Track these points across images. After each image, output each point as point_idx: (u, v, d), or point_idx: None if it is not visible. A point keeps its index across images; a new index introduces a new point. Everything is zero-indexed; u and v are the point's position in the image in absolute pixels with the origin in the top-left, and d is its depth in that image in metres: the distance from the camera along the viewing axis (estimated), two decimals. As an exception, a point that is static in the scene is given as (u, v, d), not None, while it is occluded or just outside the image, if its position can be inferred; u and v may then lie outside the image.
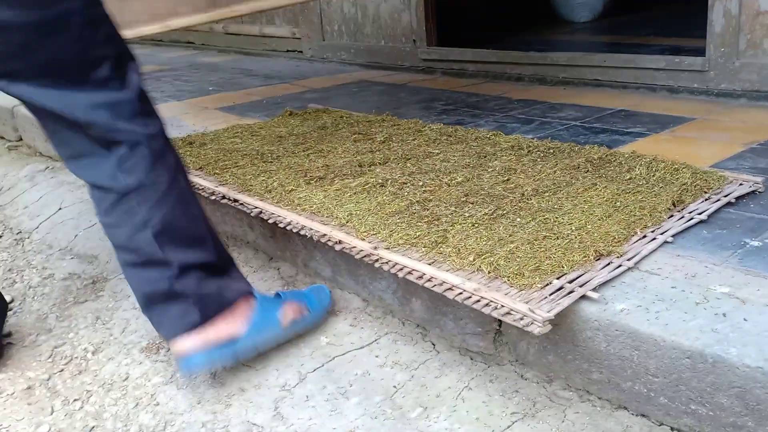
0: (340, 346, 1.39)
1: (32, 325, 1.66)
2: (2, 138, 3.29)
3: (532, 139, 1.99)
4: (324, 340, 1.42)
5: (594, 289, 1.14)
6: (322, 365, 1.34)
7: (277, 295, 1.40)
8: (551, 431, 1.10)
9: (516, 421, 1.14)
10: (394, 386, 1.26)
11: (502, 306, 1.11)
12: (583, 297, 1.13)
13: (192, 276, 1.21)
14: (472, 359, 1.30)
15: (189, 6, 2.08)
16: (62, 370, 1.46)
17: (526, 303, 1.10)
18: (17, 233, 2.25)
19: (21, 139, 3.23)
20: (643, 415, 1.10)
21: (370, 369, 1.31)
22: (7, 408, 1.35)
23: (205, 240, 1.25)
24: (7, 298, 1.79)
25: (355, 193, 1.61)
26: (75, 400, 1.36)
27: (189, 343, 1.22)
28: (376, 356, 1.35)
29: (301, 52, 4.29)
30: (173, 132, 2.44)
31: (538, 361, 1.23)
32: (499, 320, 1.25)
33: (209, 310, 1.23)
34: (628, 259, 1.23)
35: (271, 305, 1.33)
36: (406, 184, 1.65)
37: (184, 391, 1.33)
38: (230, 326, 1.25)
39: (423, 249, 1.32)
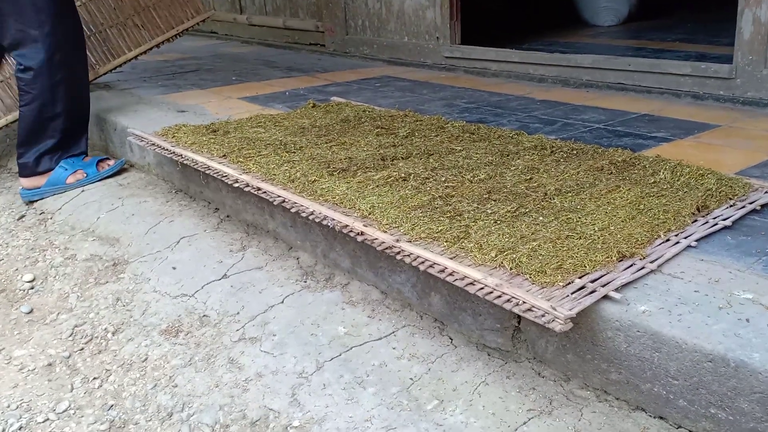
0: (358, 336, 1.40)
1: (54, 303, 1.68)
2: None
3: (555, 139, 1.99)
4: (342, 330, 1.43)
5: (616, 290, 1.14)
6: (340, 354, 1.35)
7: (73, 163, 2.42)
8: (567, 429, 1.11)
9: (532, 418, 1.14)
10: (411, 378, 1.26)
11: (524, 302, 1.11)
12: (605, 297, 1.13)
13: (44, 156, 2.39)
14: (489, 355, 1.30)
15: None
16: (82, 349, 1.48)
17: (548, 300, 1.10)
18: (40, 213, 2.28)
19: (45, 122, 3.26)
20: (661, 417, 1.10)
21: (387, 360, 1.32)
22: (29, 383, 1.37)
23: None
24: (30, 277, 1.81)
25: (377, 186, 1.61)
26: (94, 378, 1.38)
27: (23, 182, 2.40)
28: (394, 348, 1.35)
29: (324, 45, 4.30)
30: (197, 119, 2.46)
31: (556, 360, 1.23)
32: (518, 317, 1.25)
33: (28, 172, 2.38)
34: (651, 262, 1.23)
35: (63, 172, 2.37)
36: (428, 179, 1.65)
37: (203, 374, 1.34)
38: (37, 181, 2.38)
39: (445, 243, 1.32)
